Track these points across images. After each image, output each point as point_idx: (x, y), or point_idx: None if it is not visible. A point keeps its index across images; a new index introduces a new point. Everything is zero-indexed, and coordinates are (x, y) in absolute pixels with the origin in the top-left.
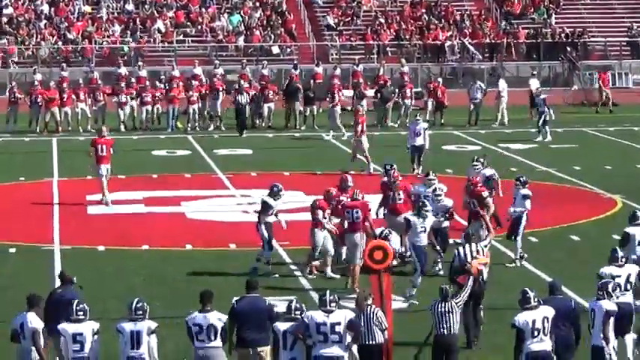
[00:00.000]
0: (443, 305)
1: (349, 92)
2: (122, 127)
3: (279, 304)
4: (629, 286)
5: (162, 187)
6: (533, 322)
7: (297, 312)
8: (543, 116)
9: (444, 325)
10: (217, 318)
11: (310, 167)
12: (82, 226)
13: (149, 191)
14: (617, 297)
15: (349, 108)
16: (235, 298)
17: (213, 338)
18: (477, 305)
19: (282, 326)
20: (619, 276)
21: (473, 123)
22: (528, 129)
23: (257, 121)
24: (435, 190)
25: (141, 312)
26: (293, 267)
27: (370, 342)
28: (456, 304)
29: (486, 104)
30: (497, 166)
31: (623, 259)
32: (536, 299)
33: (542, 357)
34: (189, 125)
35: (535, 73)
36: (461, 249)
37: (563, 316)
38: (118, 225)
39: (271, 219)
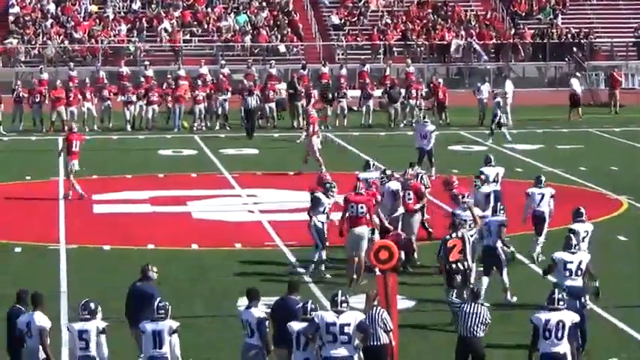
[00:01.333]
0: (472, 306)
1: (356, 92)
2: (128, 127)
3: None
4: (579, 272)
5: (169, 186)
6: (547, 321)
7: (313, 313)
8: (497, 119)
9: (470, 327)
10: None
11: (316, 167)
12: (88, 225)
13: (155, 191)
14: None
15: (355, 108)
16: (278, 298)
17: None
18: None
19: (296, 326)
20: (571, 262)
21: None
22: (541, 128)
23: (260, 121)
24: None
25: (163, 312)
26: (299, 267)
27: (375, 343)
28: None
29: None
30: (504, 166)
31: (577, 247)
32: (561, 302)
33: (552, 359)
34: (196, 125)
35: (578, 75)
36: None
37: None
38: (123, 224)
39: (323, 217)
